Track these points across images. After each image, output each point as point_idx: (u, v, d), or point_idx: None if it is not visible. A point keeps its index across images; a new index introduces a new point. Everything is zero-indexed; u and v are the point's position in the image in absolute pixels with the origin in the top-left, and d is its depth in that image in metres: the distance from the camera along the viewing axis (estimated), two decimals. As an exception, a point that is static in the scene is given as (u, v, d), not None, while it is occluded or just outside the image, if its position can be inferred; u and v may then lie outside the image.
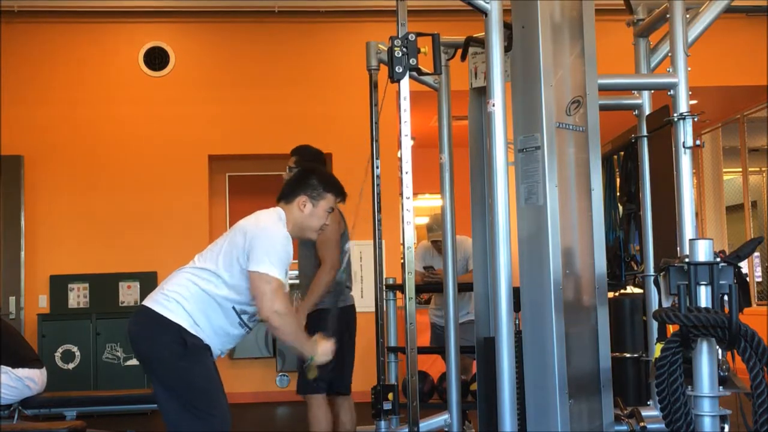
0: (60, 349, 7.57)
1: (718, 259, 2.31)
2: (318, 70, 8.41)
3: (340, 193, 3.36)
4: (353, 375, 4.31)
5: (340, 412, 4.30)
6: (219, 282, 3.06)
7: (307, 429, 4.22)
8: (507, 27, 3.03)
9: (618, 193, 4.14)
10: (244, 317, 3.13)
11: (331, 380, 4.14)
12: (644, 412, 3.32)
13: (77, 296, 8.07)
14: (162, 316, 3.01)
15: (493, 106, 2.91)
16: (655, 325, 3.43)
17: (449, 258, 3.85)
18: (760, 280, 9.89)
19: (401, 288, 3.39)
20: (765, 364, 2.21)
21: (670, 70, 3.26)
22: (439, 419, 3.78)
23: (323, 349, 3.16)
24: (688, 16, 3.37)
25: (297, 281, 4.40)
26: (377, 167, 3.80)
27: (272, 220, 3.16)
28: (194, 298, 3.04)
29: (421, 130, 8.53)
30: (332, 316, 4.12)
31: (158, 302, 3.05)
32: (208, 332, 3.06)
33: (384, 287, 4.13)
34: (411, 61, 3.09)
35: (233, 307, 3.09)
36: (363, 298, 8.09)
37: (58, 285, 8.04)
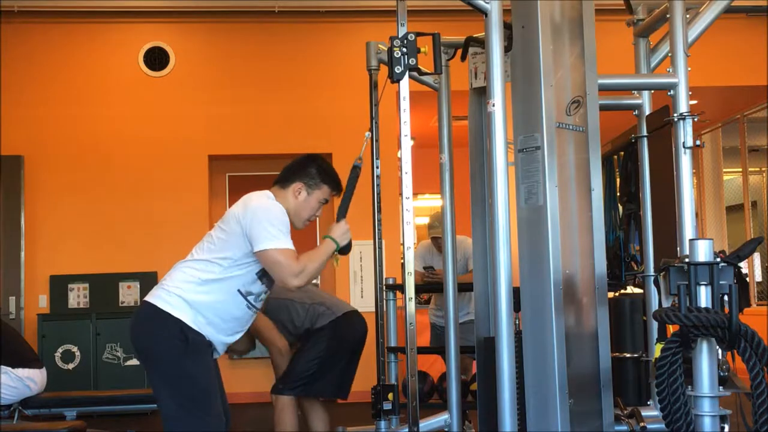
0: (60, 349, 7.57)
1: (718, 259, 2.31)
2: (318, 70, 8.42)
3: (336, 186, 3.36)
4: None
5: (309, 415, 4.31)
6: (219, 270, 3.06)
7: (301, 429, 4.23)
8: (507, 27, 3.03)
9: (618, 193, 4.14)
10: (251, 298, 3.13)
11: (310, 383, 4.15)
12: (644, 412, 3.31)
13: (77, 296, 8.08)
14: (163, 311, 3.01)
15: (493, 106, 2.91)
16: (655, 325, 3.43)
17: (449, 258, 3.85)
18: (760, 280, 9.89)
19: (401, 288, 3.38)
20: (765, 364, 2.21)
21: (670, 70, 3.26)
22: (439, 419, 3.77)
23: (337, 232, 3.21)
24: (688, 16, 3.36)
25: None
26: (377, 167, 3.80)
27: (260, 198, 3.16)
28: (196, 289, 3.04)
29: (421, 130, 8.53)
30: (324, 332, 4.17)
31: (159, 297, 3.05)
32: (215, 320, 3.05)
33: (384, 287, 4.12)
34: (411, 61, 3.08)
35: (238, 290, 3.09)
36: (363, 298, 8.11)
37: (58, 285, 8.04)
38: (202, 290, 3.04)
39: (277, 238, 3.01)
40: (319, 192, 3.30)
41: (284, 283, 3.05)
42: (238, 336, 3.21)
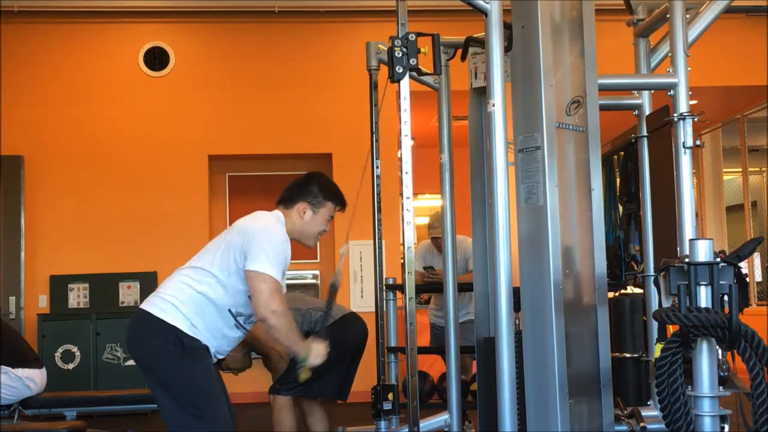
0: (60, 349, 7.57)
1: (718, 259, 2.31)
2: (318, 70, 8.41)
3: (340, 202, 3.36)
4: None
5: (308, 417, 4.31)
6: (214, 282, 3.05)
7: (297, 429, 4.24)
8: (507, 27, 3.03)
9: (618, 193, 4.14)
10: (240, 319, 3.12)
11: (308, 384, 4.15)
12: (644, 412, 3.32)
13: (77, 296, 8.07)
14: (158, 318, 3.01)
15: (493, 106, 2.91)
16: (655, 325, 3.43)
17: (449, 258, 3.85)
18: (760, 280, 9.89)
19: (401, 288, 3.39)
20: (765, 364, 2.21)
21: (670, 70, 3.26)
22: (439, 419, 3.78)
23: (316, 350, 3.16)
24: (688, 16, 3.36)
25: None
26: (377, 167, 3.80)
27: (271, 221, 3.16)
28: (190, 300, 3.04)
29: (421, 130, 8.53)
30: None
31: (155, 305, 3.05)
32: (206, 334, 3.05)
33: (384, 287, 4.12)
34: (411, 61, 3.09)
35: (229, 309, 3.08)
36: (363, 298, 8.11)
37: (58, 285, 8.04)
38: (196, 302, 3.04)
39: (271, 265, 3.01)
40: (324, 210, 3.31)
41: (256, 308, 3.01)
42: (224, 354, 3.21)
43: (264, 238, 3.05)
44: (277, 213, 3.24)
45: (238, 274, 3.05)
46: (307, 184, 3.33)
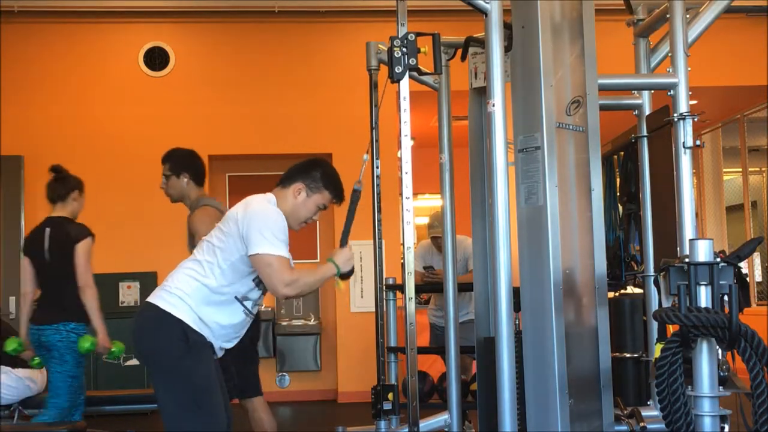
0: (60, 349, 7.56)
1: (718, 259, 2.31)
2: (318, 70, 8.42)
3: (337, 194, 3.33)
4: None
5: (255, 414, 4.33)
6: (219, 273, 3.06)
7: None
8: (507, 27, 3.03)
9: (618, 193, 4.14)
10: (248, 304, 3.13)
11: (237, 386, 4.15)
12: (644, 412, 3.32)
13: (77, 296, 8.05)
14: (165, 311, 3.02)
15: (493, 106, 2.91)
16: (655, 325, 3.43)
17: (449, 258, 3.85)
18: (760, 280, 9.89)
19: (401, 288, 3.39)
20: (765, 364, 2.21)
21: (670, 70, 3.26)
22: (439, 419, 3.78)
23: (341, 257, 3.17)
24: (688, 16, 3.37)
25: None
26: (377, 167, 3.80)
27: (261, 202, 3.15)
28: (196, 293, 3.04)
29: (421, 130, 8.53)
30: None
31: (161, 298, 3.06)
32: (213, 326, 3.06)
33: (384, 287, 4.12)
34: (411, 61, 3.09)
35: (235, 297, 3.09)
36: (363, 298, 8.10)
37: (58, 285, 8.02)
38: (202, 294, 3.04)
39: (272, 244, 3.00)
40: (319, 196, 3.26)
41: (274, 289, 3.03)
42: (233, 342, 3.21)
43: (260, 220, 3.04)
44: (268, 195, 3.23)
45: (242, 261, 3.05)
46: (311, 168, 3.30)
